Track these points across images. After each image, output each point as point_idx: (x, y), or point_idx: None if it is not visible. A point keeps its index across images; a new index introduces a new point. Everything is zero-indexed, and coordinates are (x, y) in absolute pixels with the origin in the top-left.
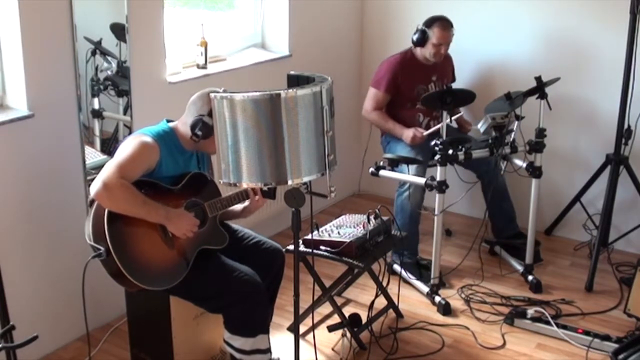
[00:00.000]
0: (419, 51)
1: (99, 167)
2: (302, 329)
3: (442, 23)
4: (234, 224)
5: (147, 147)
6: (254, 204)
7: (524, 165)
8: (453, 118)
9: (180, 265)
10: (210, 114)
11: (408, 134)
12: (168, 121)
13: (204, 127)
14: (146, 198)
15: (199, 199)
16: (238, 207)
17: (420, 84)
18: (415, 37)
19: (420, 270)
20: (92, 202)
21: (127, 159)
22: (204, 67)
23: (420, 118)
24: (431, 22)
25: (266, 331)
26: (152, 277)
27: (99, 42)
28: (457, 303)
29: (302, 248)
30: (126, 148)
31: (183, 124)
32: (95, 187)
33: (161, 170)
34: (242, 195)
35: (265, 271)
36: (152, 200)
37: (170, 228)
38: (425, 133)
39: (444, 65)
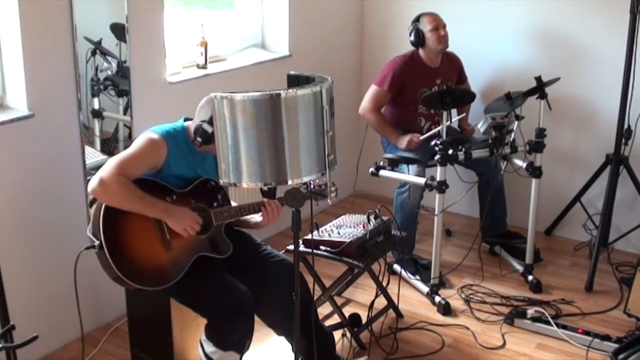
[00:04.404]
0: (422, 52)
1: (98, 167)
2: None
3: (427, 12)
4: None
5: (152, 144)
6: (265, 219)
7: (524, 165)
8: (457, 118)
9: (174, 268)
10: (210, 121)
11: (402, 142)
12: (187, 119)
13: (203, 134)
14: (145, 194)
15: (206, 205)
16: (252, 218)
17: (423, 86)
18: (412, 38)
19: (417, 266)
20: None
21: (130, 155)
22: (204, 67)
23: (422, 122)
24: (417, 17)
25: (239, 352)
26: (142, 276)
27: (99, 42)
28: (457, 303)
29: (302, 248)
30: (133, 144)
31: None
32: (92, 183)
33: (170, 169)
34: (253, 208)
35: (273, 284)
36: (151, 196)
37: (170, 223)
38: (422, 138)
39: (449, 69)
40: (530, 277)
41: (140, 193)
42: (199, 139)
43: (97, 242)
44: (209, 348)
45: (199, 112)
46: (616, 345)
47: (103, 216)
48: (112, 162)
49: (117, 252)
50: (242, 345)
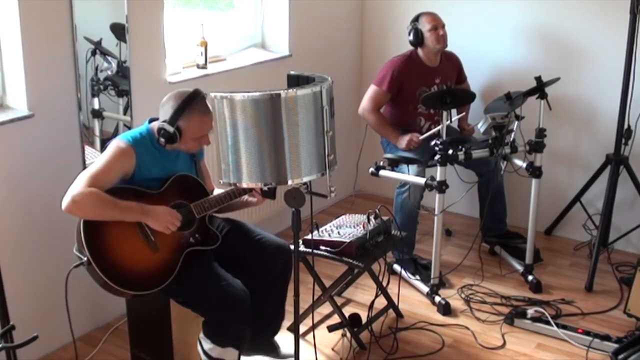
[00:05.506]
0: (421, 52)
1: None
2: (302, 329)
3: (426, 12)
4: (243, 220)
5: (120, 152)
6: (259, 199)
7: (524, 165)
8: (456, 118)
9: (166, 267)
10: (171, 121)
11: (402, 141)
12: (152, 120)
13: (165, 134)
14: (118, 200)
15: (185, 200)
16: (242, 199)
17: (423, 86)
18: (411, 37)
19: (417, 266)
20: None
21: (99, 168)
22: (204, 67)
23: (422, 122)
24: (416, 17)
25: (238, 347)
26: (136, 282)
27: (99, 42)
28: (457, 303)
29: (302, 248)
30: (102, 155)
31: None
32: (64, 202)
33: (142, 173)
34: (234, 194)
35: (269, 267)
36: (126, 201)
37: (150, 223)
38: (422, 137)
39: (448, 69)
40: (530, 277)
41: (114, 200)
42: (162, 140)
43: (84, 259)
44: (207, 345)
45: (160, 110)
46: (616, 345)
47: (84, 231)
48: (82, 177)
49: (106, 264)
50: (239, 341)
